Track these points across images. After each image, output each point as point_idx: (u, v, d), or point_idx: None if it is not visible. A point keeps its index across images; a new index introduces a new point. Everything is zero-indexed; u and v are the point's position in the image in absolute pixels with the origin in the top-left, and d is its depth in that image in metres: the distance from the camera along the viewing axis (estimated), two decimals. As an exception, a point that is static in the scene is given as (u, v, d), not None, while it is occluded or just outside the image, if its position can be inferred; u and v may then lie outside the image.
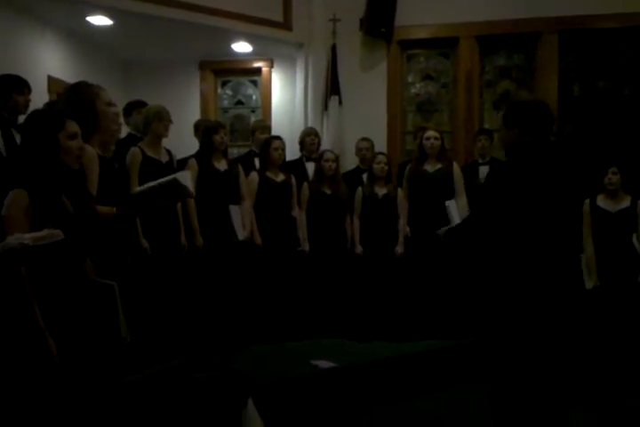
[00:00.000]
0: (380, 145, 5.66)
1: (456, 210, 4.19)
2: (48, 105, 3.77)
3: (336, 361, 3.53)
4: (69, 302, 2.00)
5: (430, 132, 4.48)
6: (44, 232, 1.75)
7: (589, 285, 3.84)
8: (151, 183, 2.54)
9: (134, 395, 2.21)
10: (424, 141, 4.44)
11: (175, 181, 2.47)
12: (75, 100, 2.59)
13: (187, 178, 2.60)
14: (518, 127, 2.46)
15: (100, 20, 5.22)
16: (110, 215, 2.51)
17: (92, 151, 2.57)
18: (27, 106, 3.48)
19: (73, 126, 2.12)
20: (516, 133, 2.47)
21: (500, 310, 2.42)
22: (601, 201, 4.09)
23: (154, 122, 3.72)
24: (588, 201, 4.10)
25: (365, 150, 5.05)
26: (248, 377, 2.85)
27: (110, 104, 2.70)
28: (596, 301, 3.82)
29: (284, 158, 4.48)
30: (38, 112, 2.26)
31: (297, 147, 5.09)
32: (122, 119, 3.82)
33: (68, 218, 2.03)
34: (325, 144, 5.30)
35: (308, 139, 4.93)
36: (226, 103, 6.70)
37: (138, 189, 2.71)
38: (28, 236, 1.72)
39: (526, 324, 2.36)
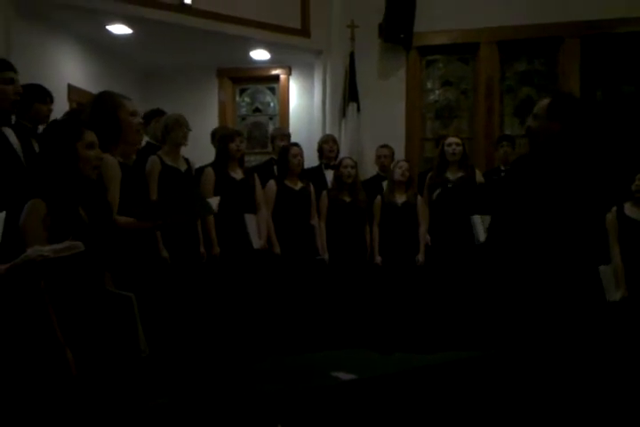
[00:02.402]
0: (399, 152, 5.61)
1: (481, 224, 4.12)
2: (68, 114, 3.78)
3: (356, 373, 3.47)
4: (87, 314, 1.98)
5: (452, 139, 4.42)
6: (65, 244, 1.73)
7: (617, 296, 3.73)
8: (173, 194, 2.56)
9: (162, 419, 2.17)
10: (445, 148, 4.37)
11: (198, 192, 2.46)
12: (99, 110, 2.58)
13: (214, 202, 2.66)
14: (561, 121, 2.30)
15: (119, 29, 5.26)
16: (131, 226, 2.49)
17: (113, 161, 2.55)
18: (48, 115, 3.48)
19: (91, 136, 2.10)
20: (558, 127, 2.31)
21: (522, 321, 2.35)
22: (628, 209, 3.97)
23: (173, 130, 3.72)
24: (614, 209, 4.00)
25: (385, 158, 5.00)
26: (277, 400, 2.80)
27: (134, 114, 2.68)
28: (624, 313, 3.71)
29: (303, 165, 4.44)
30: (57, 122, 2.26)
31: (315, 154, 5.06)
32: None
33: (84, 229, 2.01)
34: (343, 151, 5.27)
35: (326, 146, 4.89)
36: (244, 111, 6.70)
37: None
38: (47, 248, 1.70)
39: (548, 335, 2.28)
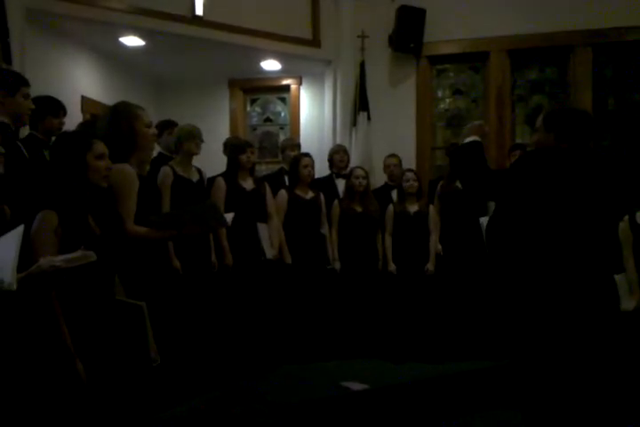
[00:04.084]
0: (410, 161, 5.61)
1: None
2: (82, 125, 3.82)
3: (368, 383, 3.45)
4: (97, 323, 1.98)
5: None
6: (77, 253, 1.73)
7: (630, 306, 3.67)
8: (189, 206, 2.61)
9: None
10: None
11: (213, 204, 2.49)
12: (116, 121, 2.61)
13: (229, 217, 2.72)
14: (555, 132, 2.40)
15: (132, 41, 5.32)
16: (146, 236, 2.51)
17: (130, 170, 2.57)
18: (60, 128, 3.52)
19: (100, 147, 2.12)
20: (552, 138, 2.40)
21: (532, 331, 2.32)
22: None
23: (186, 141, 3.74)
24: (626, 218, 3.96)
25: (393, 167, 5.01)
26: (285, 409, 2.79)
27: (149, 125, 2.71)
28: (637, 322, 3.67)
29: (313, 175, 4.46)
30: (67, 134, 2.27)
31: (326, 164, 5.07)
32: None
33: (95, 238, 2.02)
34: (354, 161, 5.28)
35: (337, 156, 4.90)
36: (255, 120, 6.74)
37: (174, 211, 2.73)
38: (59, 258, 1.69)
39: (560, 345, 2.25)
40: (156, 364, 2.25)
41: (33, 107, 2.72)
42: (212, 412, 2.40)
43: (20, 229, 1.74)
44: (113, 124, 2.59)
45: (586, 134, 2.42)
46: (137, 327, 2.15)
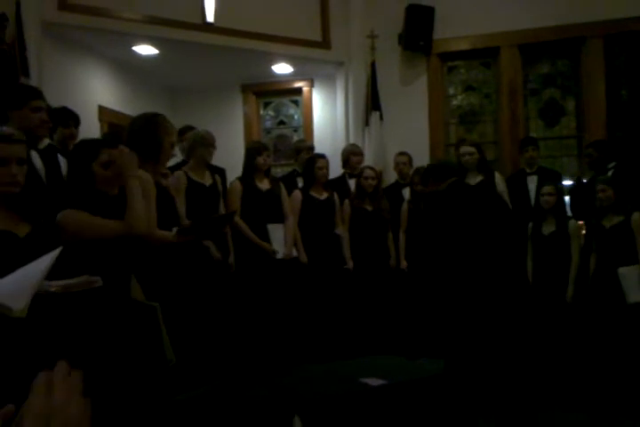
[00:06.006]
0: (423, 158, 5.63)
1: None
2: (106, 135, 3.93)
3: (385, 378, 3.47)
4: (111, 324, 2.05)
5: (463, 148, 4.40)
6: (81, 279, 1.75)
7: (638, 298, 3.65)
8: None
9: (182, 415, 2.23)
10: (460, 157, 4.41)
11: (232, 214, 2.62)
12: (147, 132, 2.73)
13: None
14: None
15: (145, 50, 5.44)
16: (170, 240, 2.60)
17: (148, 177, 2.65)
18: (72, 138, 3.60)
19: (107, 156, 2.19)
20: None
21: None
22: None
23: (200, 147, 3.81)
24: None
25: (403, 165, 5.01)
26: (294, 394, 2.85)
27: (175, 144, 2.84)
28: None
29: (328, 177, 4.50)
30: (79, 143, 2.36)
31: (339, 164, 5.10)
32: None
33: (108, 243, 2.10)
34: (368, 160, 5.31)
35: (355, 158, 4.88)
36: (268, 124, 6.81)
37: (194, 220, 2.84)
38: (56, 283, 1.70)
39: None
40: (172, 363, 2.32)
41: (46, 119, 2.76)
42: (219, 396, 2.46)
43: (56, 252, 1.68)
44: (144, 134, 2.71)
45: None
46: (151, 328, 2.22)
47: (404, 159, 5.04)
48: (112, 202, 2.22)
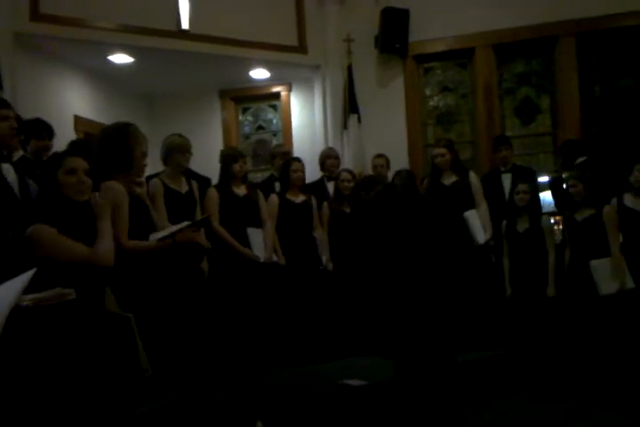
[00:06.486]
0: (402, 160, 5.67)
1: (476, 219, 4.16)
2: (71, 144, 3.91)
3: (368, 379, 3.49)
4: (85, 335, 2.05)
5: (437, 150, 4.44)
6: (53, 291, 1.76)
7: (612, 289, 3.69)
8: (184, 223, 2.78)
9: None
10: (433, 158, 4.46)
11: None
12: (116, 142, 2.72)
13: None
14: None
15: (120, 59, 5.43)
16: (139, 249, 2.60)
17: (118, 186, 2.66)
18: (46, 150, 3.58)
19: (72, 162, 2.22)
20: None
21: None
22: (628, 200, 3.98)
23: (176, 154, 3.79)
24: (614, 200, 4.00)
25: (380, 167, 5.04)
26: (257, 399, 2.86)
27: (145, 155, 2.84)
28: (628, 304, 3.70)
29: (304, 179, 4.52)
30: (52, 155, 2.38)
31: (318, 167, 5.13)
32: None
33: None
34: (347, 163, 5.33)
35: (329, 161, 4.91)
36: (247, 129, 6.81)
37: (174, 227, 2.84)
38: (29, 297, 1.71)
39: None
40: (148, 374, 2.32)
41: (15, 126, 2.75)
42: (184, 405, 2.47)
43: (30, 273, 1.68)
44: (113, 144, 2.71)
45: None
46: (126, 339, 2.22)
47: (381, 162, 5.07)
48: (80, 208, 2.24)
